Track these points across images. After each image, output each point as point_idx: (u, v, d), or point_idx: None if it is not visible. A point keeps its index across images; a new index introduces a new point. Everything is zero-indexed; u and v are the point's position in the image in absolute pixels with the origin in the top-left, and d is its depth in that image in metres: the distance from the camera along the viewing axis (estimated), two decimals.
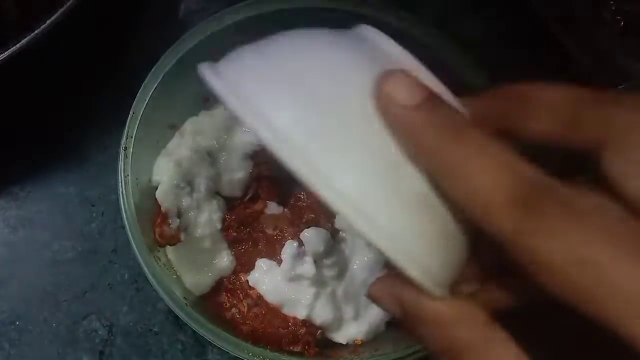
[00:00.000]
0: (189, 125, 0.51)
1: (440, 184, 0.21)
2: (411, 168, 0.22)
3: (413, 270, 0.21)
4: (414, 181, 0.22)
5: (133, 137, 0.43)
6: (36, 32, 0.50)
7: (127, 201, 0.41)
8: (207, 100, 0.53)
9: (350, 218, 0.21)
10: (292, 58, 0.24)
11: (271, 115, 0.22)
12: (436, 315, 0.22)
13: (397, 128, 0.22)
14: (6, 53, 0.49)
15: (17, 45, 0.49)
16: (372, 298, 0.25)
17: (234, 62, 0.25)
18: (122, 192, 0.41)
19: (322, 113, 0.22)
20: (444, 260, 0.22)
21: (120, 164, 0.42)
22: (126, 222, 0.41)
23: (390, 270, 0.49)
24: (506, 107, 0.24)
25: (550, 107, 0.23)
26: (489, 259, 0.25)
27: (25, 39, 0.50)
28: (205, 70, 0.24)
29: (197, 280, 0.46)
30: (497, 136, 0.21)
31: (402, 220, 0.22)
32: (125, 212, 0.41)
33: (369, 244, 0.50)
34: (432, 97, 0.22)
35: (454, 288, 0.23)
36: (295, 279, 0.46)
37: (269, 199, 0.51)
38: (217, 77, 0.23)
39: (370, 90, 0.22)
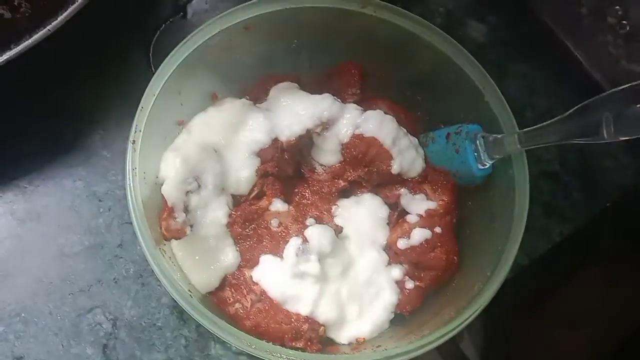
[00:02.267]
0: (196, 121, 0.51)
1: None
2: None
3: None
4: None
5: (142, 131, 0.43)
6: (48, 27, 0.51)
7: (134, 194, 0.42)
8: (215, 96, 0.53)
9: None
10: None
11: None
12: None
13: None
14: (17, 49, 0.50)
15: (29, 41, 0.50)
16: None
17: None
18: (129, 185, 0.42)
19: None
20: None
21: (128, 157, 0.42)
22: (133, 215, 0.41)
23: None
24: None
25: None
26: None
27: (36, 35, 0.50)
28: None
29: (203, 278, 0.46)
30: None
31: None
32: (133, 204, 0.41)
33: (374, 242, 0.51)
34: None
35: None
36: (299, 275, 0.47)
37: (274, 196, 0.52)
38: None
39: None
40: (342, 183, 0.54)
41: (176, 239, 0.46)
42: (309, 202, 0.53)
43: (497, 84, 0.50)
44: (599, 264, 0.79)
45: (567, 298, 0.81)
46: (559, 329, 0.79)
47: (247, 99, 0.55)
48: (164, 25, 0.62)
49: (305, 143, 0.53)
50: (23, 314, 0.51)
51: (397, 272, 0.50)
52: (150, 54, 0.61)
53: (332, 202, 0.53)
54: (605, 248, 0.78)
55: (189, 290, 0.42)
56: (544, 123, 0.43)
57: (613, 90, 0.39)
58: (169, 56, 0.46)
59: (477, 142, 0.49)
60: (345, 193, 0.54)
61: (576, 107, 0.41)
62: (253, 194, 0.51)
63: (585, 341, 0.77)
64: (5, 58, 0.49)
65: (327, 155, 0.53)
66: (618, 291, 0.78)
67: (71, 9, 0.51)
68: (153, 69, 0.60)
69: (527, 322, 0.83)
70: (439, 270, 0.49)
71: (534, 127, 0.44)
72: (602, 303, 0.79)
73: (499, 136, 0.47)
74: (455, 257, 0.50)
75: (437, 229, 0.50)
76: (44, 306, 0.51)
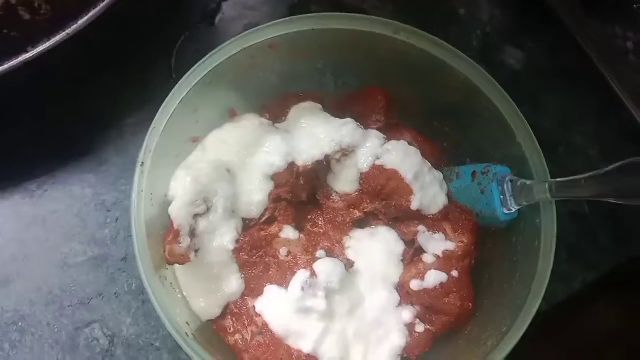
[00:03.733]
0: (211, 137, 0.50)
1: None
2: None
3: None
4: None
5: (152, 151, 0.42)
6: (67, 31, 0.49)
7: (138, 219, 0.40)
8: (234, 112, 0.51)
9: None
10: None
11: None
12: None
13: None
14: (35, 51, 0.49)
15: (47, 44, 0.49)
16: None
17: None
18: (134, 208, 0.40)
19: None
20: None
21: (136, 179, 0.41)
22: (135, 241, 0.40)
23: None
24: None
25: None
26: None
27: (55, 38, 0.49)
28: None
29: (205, 306, 0.45)
30: None
31: None
32: (136, 230, 0.40)
33: (386, 280, 0.49)
34: None
35: None
36: (304, 310, 0.45)
37: (285, 223, 0.50)
38: None
39: None
40: (357, 213, 0.51)
41: (179, 264, 0.44)
42: (321, 230, 0.51)
43: (530, 115, 0.47)
44: (617, 304, 0.76)
45: (584, 334, 0.78)
46: None
47: (266, 117, 0.53)
48: (188, 32, 0.60)
49: (322, 168, 0.51)
50: (20, 323, 0.50)
51: (407, 314, 0.47)
52: (173, 61, 0.59)
53: (346, 232, 0.51)
54: (627, 293, 0.75)
55: (187, 323, 0.40)
56: (579, 177, 0.40)
57: None
58: (188, 73, 0.44)
59: (505, 185, 0.46)
60: (360, 223, 0.52)
61: (615, 165, 0.38)
62: (264, 219, 0.49)
63: None
64: (21, 60, 0.48)
65: (344, 183, 0.51)
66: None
67: (93, 13, 0.50)
68: (174, 75, 0.58)
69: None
70: (452, 316, 0.47)
71: (568, 179, 0.41)
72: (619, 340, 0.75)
73: (529, 182, 0.44)
74: (470, 304, 0.47)
75: (454, 273, 0.47)
76: (42, 316, 0.50)
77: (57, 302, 0.50)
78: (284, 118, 0.53)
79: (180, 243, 0.43)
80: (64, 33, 0.49)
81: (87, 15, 0.50)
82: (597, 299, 0.73)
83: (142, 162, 0.41)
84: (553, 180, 0.43)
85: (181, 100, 0.44)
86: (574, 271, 0.58)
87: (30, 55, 0.48)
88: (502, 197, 0.46)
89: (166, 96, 0.44)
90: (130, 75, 0.58)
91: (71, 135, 0.56)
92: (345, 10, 0.64)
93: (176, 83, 0.45)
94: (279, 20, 0.47)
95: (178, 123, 0.45)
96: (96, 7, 0.50)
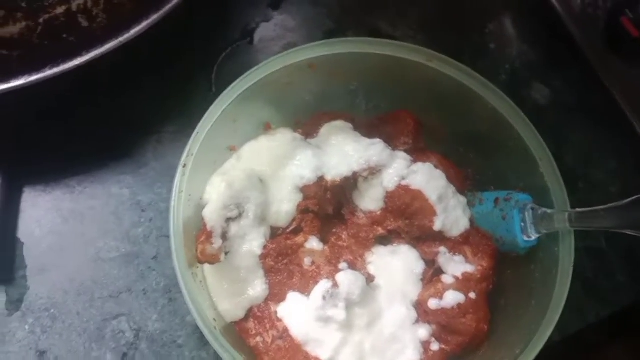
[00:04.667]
0: (247, 148, 0.52)
1: None
2: None
3: None
4: None
5: (194, 155, 0.44)
6: (120, 39, 0.53)
7: (176, 216, 0.42)
8: (269, 126, 0.54)
9: None
10: None
11: None
12: None
13: None
14: (88, 56, 0.52)
15: (100, 50, 0.52)
16: None
17: None
18: (173, 206, 0.42)
19: None
20: None
21: (177, 179, 0.43)
22: (172, 237, 0.42)
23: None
24: None
25: None
26: None
27: (108, 45, 0.53)
28: None
29: (230, 307, 0.46)
30: None
31: None
32: (174, 226, 0.42)
33: (405, 297, 0.50)
34: None
35: None
36: (324, 319, 0.46)
37: (311, 234, 0.52)
38: None
39: None
40: (380, 230, 0.53)
41: (210, 264, 0.46)
42: (344, 244, 0.53)
43: (553, 150, 0.49)
44: (630, 341, 0.76)
45: None
46: None
47: (299, 133, 0.55)
48: (230, 48, 0.64)
49: (349, 185, 0.53)
50: (52, 310, 0.52)
51: (423, 332, 0.48)
52: (214, 75, 0.62)
53: (368, 248, 0.53)
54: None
55: (214, 319, 0.42)
56: (599, 207, 0.42)
57: None
58: (231, 85, 0.47)
59: (526, 213, 0.47)
60: (382, 240, 0.54)
61: (635, 197, 0.39)
62: (290, 228, 0.51)
63: None
64: (75, 63, 0.52)
65: (370, 201, 0.53)
66: None
67: (144, 24, 0.53)
68: (214, 89, 0.61)
69: None
70: (468, 337, 0.48)
71: (588, 209, 0.43)
72: None
73: (549, 211, 0.46)
74: (485, 327, 0.48)
75: (472, 295, 0.49)
76: (73, 305, 0.52)
77: (88, 293, 0.53)
78: (315, 134, 0.56)
79: (212, 243, 0.46)
80: (116, 41, 0.53)
81: (139, 26, 0.54)
82: (610, 334, 0.73)
83: (184, 164, 0.43)
84: (573, 210, 0.45)
85: (223, 110, 0.47)
86: (589, 305, 0.58)
87: (84, 59, 0.52)
88: (522, 224, 0.48)
89: (205, 108, 0.47)
90: (173, 85, 0.61)
91: (113, 138, 0.59)
92: (379, 37, 0.67)
93: (215, 96, 0.48)
94: (319, 42, 0.50)
95: (218, 131, 0.47)
96: (148, 19, 0.54)
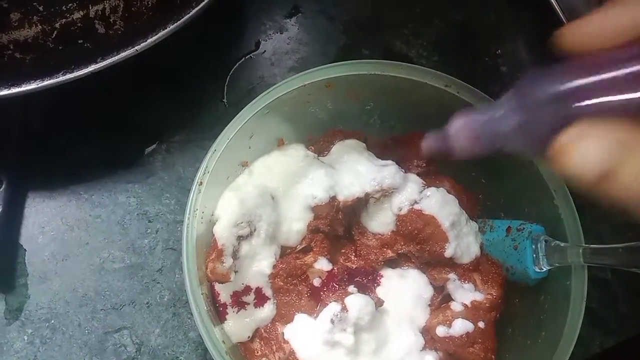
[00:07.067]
0: (259, 163, 0.51)
1: None
2: None
3: None
4: None
5: (209, 172, 0.43)
6: (136, 47, 0.52)
7: (190, 234, 0.41)
8: (282, 142, 0.53)
9: None
10: None
11: None
12: None
13: None
14: (103, 63, 0.51)
15: (116, 57, 0.51)
16: None
17: None
18: (187, 224, 0.42)
19: None
20: None
21: (192, 196, 0.42)
22: (185, 255, 0.41)
23: None
24: None
25: None
26: None
27: (123, 53, 0.52)
28: None
29: (237, 328, 0.46)
30: None
31: None
32: (187, 244, 0.41)
33: (412, 322, 0.50)
34: None
35: None
36: (331, 343, 0.46)
37: (320, 254, 0.51)
38: None
39: None
40: (390, 253, 0.52)
41: (219, 283, 0.45)
42: (353, 265, 0.52)
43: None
44: None
45: None
46: None
47: (311, 150, 0.55)
48: (243, 59, 0.63)
49: (360, 205, 0.53)
50: (53, 321, 0.51)
51: (430, 359, 0.48)
52: (225, 86, 0.61)
53: (377, 270, 0.52)
54: None
55: (223, 342, 0.41)
56: (615, 245, 0.42)
57: None
58: (250, 103, 0.47)
59: (539, 244, 0.47)
60: (391, 263, 0.53)
61: None
62: (300, 248, 0.51)
63: None
64: (90, 69, 0.51)
65: (381, 223, 0.52)
66: None
67: (160, 34, 0.52)
68: (226, 101, 0.60)
69: None
70: None
71: (603, 246, 0.43)
72: None
73: (562, 244, 0.46)
74: (493, 357, 0.48)
75: (481, 324, 0.48)
76: (74, 317, 0.51)
77: (90, 304, 0.52)
78: (327, 152, 0.55)
79: (223, 262, 0.45)
80: (132, 49, 0.52)
81: (155, 35, 0.53)
82: None
83: (201, 182, 0.43)
84: (587, 245, 0.44)
85: (241, 126, 0.46)
86: (593, 335, 0.58)
87: (100, 66, 0.51)
88: (534, 255, 0.47)
89: (216, 118, 0.47)
90: (183, 95, 0.60)
91: (121, 146, 0.58)
92: (393, 55, 0.67)
93: (227, 107, 0.47)
94: (339, 63, 0.49)
95: (234, 147, 0.47)
96: (165, 29, 0.53)
